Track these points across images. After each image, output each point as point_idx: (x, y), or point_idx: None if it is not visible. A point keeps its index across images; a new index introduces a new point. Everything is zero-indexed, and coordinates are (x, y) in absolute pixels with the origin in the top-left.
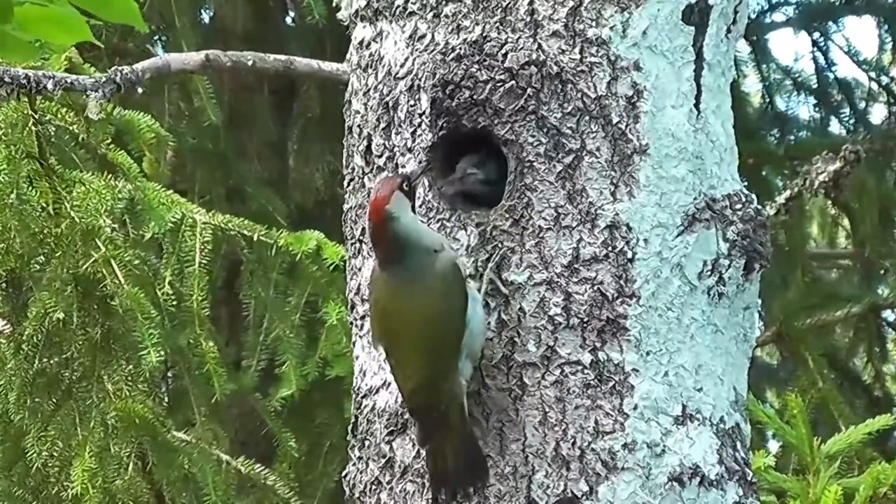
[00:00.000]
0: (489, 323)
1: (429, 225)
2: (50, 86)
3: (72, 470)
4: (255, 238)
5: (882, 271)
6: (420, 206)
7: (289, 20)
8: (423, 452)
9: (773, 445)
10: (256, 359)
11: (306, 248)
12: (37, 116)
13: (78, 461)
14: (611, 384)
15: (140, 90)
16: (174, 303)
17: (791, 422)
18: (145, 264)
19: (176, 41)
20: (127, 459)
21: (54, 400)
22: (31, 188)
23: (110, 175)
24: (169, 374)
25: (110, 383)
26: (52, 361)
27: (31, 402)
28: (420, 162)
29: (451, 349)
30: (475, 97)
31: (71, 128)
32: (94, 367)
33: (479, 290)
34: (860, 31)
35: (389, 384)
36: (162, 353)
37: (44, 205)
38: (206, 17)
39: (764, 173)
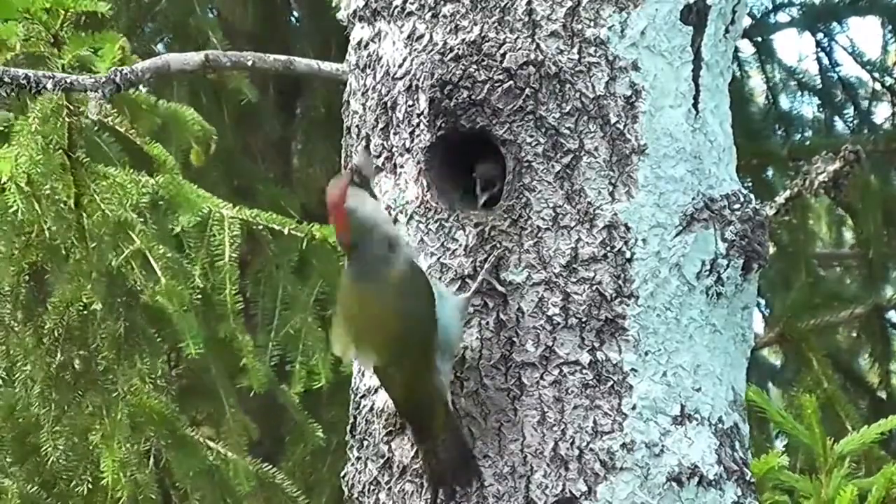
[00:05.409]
0: (487, 323)
1: (427, 225)
2: (50, 86)
3: (101, 462)
4: (286, 231)
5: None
6: (419, 206)
7: (293, 20)
8: (420, 454)
9: (777, 446)
10: (269, 356)
11: None
12: (71, 108)
13: (108, 452)
14: (609, 384)
15: (144, 90)
16: (199, 297)
17: (805, 422)
18: (174, 259)
19: (199, 32)
20: (145, 455)
21: (80, 393)
22: (57, 180)
23: (140, 169)
24: (173, 373)
25: (124, 378)
26: (72, 355)
27: (54, 395)
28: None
29: (425, 348)
30: (473, 97)
31: (107, 120)
32: (117, 362)
33: (472, 289)
34: (864, 32)
35: None
36: (201, 345)
37: (65, 198)
38: (210, 16)
39: (769, 174)
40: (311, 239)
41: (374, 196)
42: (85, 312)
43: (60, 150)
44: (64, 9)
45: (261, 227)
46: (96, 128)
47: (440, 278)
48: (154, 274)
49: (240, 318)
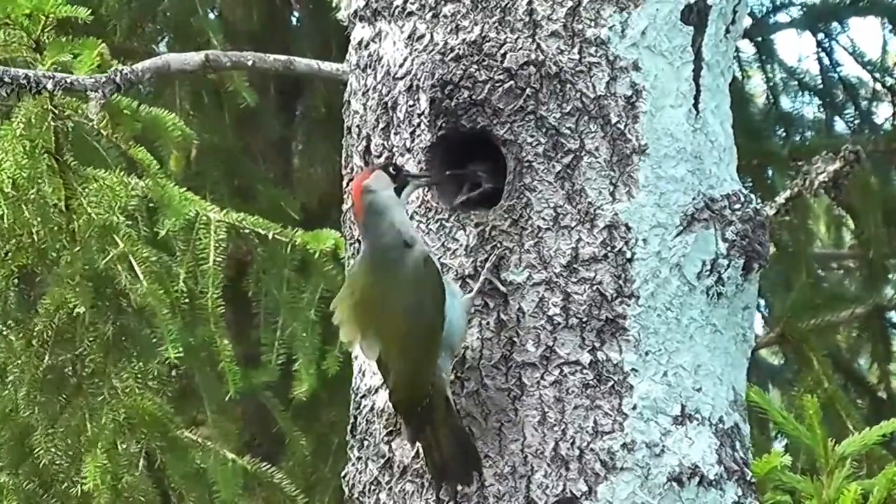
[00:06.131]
0: (488, 323)
1: (427, 225)
2: (50, 86)
3: (83, 466)
4: (271, 237)
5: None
6: (419, 206)
7: (294, 20)
8: (421, 450)
9: (776, 446)
10: (275, 355)
11: (324, 247)
12: (57, 111)
13: (90, 457)
14: (610, 384)
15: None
16: (187, 300)
17: (807, 423)
18: (160, 262)
19: (200, 32)
20: (136, 457)
21: (64, 397)
22: (45, 184)
23: (129, 172)
24: (173, 374)
25: (118, 381)
26: (62, 358)
27: (40, 398)
28: (419, 165)
29: (430, 343)
30: (474, 97)
31: (91, 124)
32: (105, 364)
33: (474, 289)
34: (865, 32)
35: None
36: (181, 348)
37: (55, 201)
38: (211, 16)
39: (769, 174)
40: (293, 245)
41: (398, 193)
42: (74, 315)
43: (47, 154)
44: (44, 14)
45: (247, 230)
46: (96, 133)
47: None
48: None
49: (221, 323)
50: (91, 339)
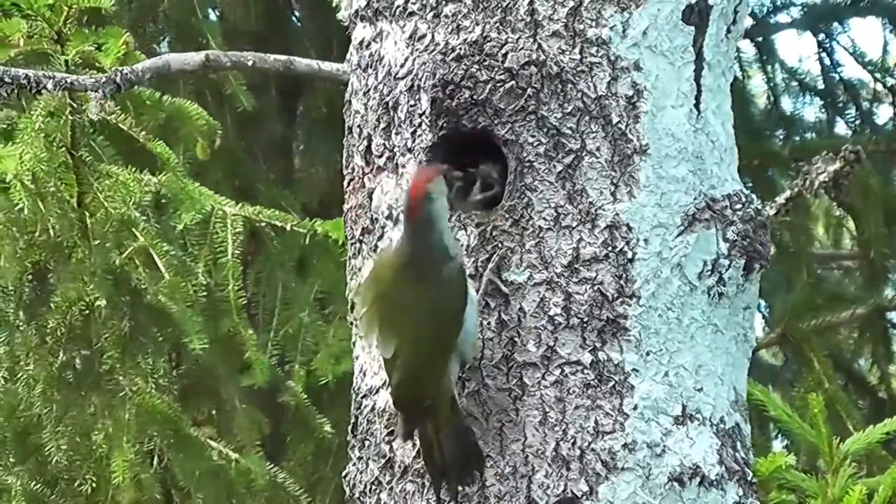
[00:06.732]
0: (489, 323)
1: None
2: (50, 86)
3: (112, 462)
4: (288, 228)
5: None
6: None
7: (294, 19)
8: (421, 451)
9: (776, 445)
10: (269, 355)
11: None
12: (74, 105)
13: (118, 452)
14: (611, 384)
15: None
16: (204, 294)
17: (812, 421)
18: (175, 257)
19: (199, 32)
20: (148, 456)
21: (83, 393)
22: (60, 179)
23: (142, 167)
24: (174, 374)
25: (127, 381)
26: (75, 354)
27: (57, 395)
28: (420, 165)
29: (445, 348)
30: (475, 97)
31: (111, 117)
32: (121, 361)
33: (477, 291)
34: (865, 33)
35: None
36: (206, 340)
37: (69, 196)
38: (212, 16)
39: (769, 174)
40: (313, 235)
41: (448, 201)
42: (87, 312)
43: (63, 148)
44: (67, 5)
45: (263, 224)
46: (92, 130)
47: None
48: (157, 272)
49: (243, 314)
50: (107, 335)
